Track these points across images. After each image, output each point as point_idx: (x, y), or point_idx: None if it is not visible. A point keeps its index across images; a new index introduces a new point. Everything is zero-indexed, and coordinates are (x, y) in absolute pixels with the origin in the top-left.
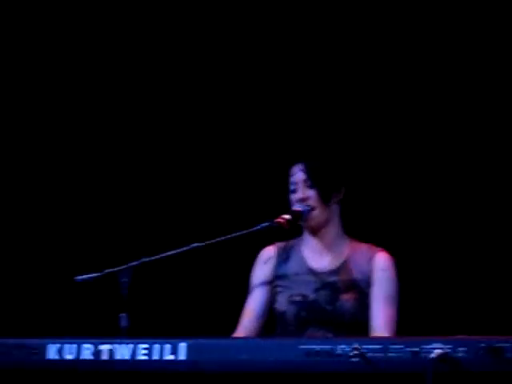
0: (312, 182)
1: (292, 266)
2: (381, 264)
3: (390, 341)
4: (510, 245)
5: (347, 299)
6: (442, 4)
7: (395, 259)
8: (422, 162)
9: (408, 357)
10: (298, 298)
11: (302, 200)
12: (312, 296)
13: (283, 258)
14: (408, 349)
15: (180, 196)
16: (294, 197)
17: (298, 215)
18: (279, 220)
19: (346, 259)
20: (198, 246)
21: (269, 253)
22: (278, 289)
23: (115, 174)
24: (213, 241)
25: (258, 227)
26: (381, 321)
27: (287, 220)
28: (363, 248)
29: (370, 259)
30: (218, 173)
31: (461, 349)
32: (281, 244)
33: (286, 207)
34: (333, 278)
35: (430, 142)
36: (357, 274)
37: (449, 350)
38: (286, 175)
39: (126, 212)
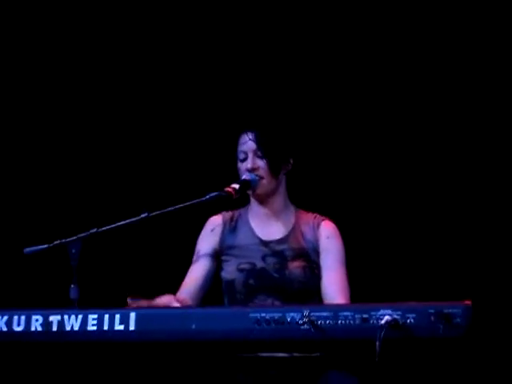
0: (263, 152)
1: (240, 236)
2: (327, 232)
3: (340, 308)
4: (457, 207)
5: (295, 267)
6: (441, 4)
7: (339, 227)
8: (360, 129)
9: (358, 323)
10: (246, 266)
11: (252, 170)
12: (260, 264)
13: (230, 227)
14: (357, 315)
15: (130, 165)
16: (244, 166)
17: (246, 184)
18: (228, 189)
19: (293, 228)
20: (147, 216)
21: (215, 222)
22: (226, 257)
23: (66, 141)
24: (162, 211)
25: (207, 197)
26: (334, 288)
27: (236, 189)
28: (309, 217)
29: (316, 228)
30: (168, 141)
31: (410, 315)
32: (227, 214)
33: (234, 176)
34: (281, 247)
35: (363, 104)
36: (304, 243)
37: (398, 317)
38: (235, 143)
39: (76, 182)
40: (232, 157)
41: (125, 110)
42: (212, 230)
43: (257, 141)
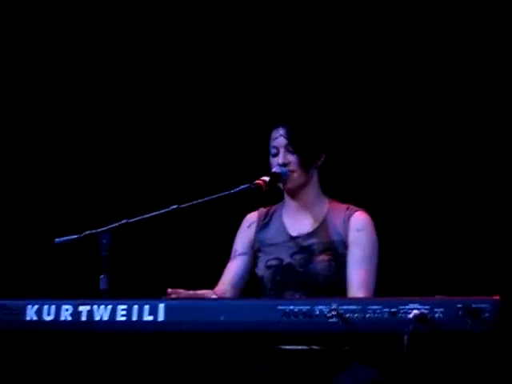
0: (293, 147)
1: (271, 232)
2: (356, 224)
3: (368, 301)
4: (487, 206)
5: (320, 261)
6: (441, 4)
7: (374, 219)
8: (400, 126)
9: (386, 317)
10: (273, 263)
11: (283, 165)
12: (287, 260)
13: (264, 223)
14: (386, 309)
15: (161, 158)
16: (275, 160)
17: (276, 177)
18: (258, 182)
19: (323, 221)
20: (178, 208)
21: (251, 218)
22: (259, 254)
23: (97, 136)
24: (193, 202)
25: (238, 189)
26: (357, 281)
27: (266, 182)
28: (342, 209)
29: (347, 220)
30: (200, 135)
31: (438, 309)
32: (263, 210)
33: (267, 169)
34: (309, 241)
35: (406, 111)
36: (333, 236)
37: (426, 311)
38: (268, 137)
39: (107, 173)
40: (264, 150)
41: (155, 102)
42: (248, 227)
43: (288, 136)
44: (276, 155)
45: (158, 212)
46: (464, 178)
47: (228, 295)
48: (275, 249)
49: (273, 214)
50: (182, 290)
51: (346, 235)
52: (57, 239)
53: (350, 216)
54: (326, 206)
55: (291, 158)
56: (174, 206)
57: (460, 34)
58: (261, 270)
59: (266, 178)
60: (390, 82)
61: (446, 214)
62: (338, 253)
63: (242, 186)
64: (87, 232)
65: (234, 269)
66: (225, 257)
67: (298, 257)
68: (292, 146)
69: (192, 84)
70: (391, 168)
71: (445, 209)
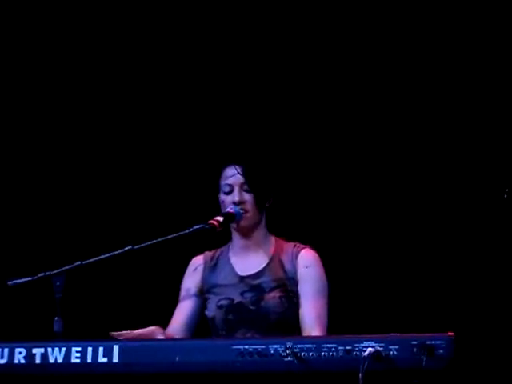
0: (250, 186)
1: (220, 274)
2: (304, 261)
3: (323, 340)
4: (439, 242)
5: (271, 298)
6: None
7: (321, 256)
8: (344, 161)
9: (341, 355)
10: (224, 302)
11: (239, 203)
12: (238, 299)
13: (211, 265)
14: (341, 347)
15: (114, 199)
16: (229, 199)
17: (230, 217)
18: (212, 222)
19: (272, 259)
20: (131, 249)
21: (197, 262)
22: (208, 295)
23: (51, 176)
24: (146, 243)
25: (191, 229)
26: (310, 317)
27: (219, 222)
28: (289, 247)
29: (295, 257)
30: (151, 174)
31: (393, 347)
32: (209, 253)
33: (216, 209)
34: (258, 280)
35: (347, 139)
36: (282, 273)
37: (381, 349)
38: (216, 175)
39: (60, 215)
40: (215, 189)
41: (108, 141)
42: (194, 270)
43: (244, 175)
44: (230, 193)
45: (111, 253)
46: (413, 216)
47: (180, 335)
48: (225, 289)
49: (219, 256)
50: (125, 332)
51: (295, 272)
52: (10, 281)
53: (297, 253)
54: (273, 244)
55: (247, 196)
56: (128, 247)
57: (455, 35)
58: (212, 310)
59: (220, 218)
60: (330, 120)
61: (398, 251)
62: (288, 289)
63: (196, 227)
64: (41, 274)
65: (184, 310)
66: (176, 296)
67: (248, 295)
68: (248, 185)
69: (143, 121)
70: (338, 205)
71: (396, 246)
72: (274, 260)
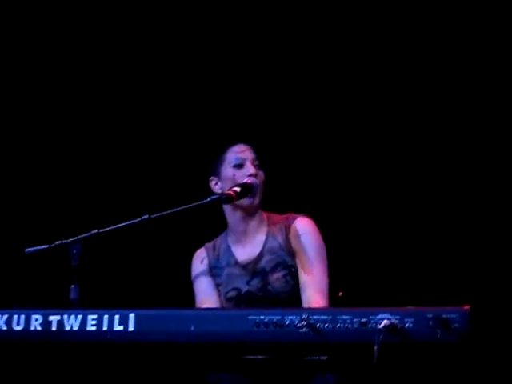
0: (261, 163)
1: (223, 264)
2: (297, 230)
3: (338, 311)
4: (455, 212)
5: (275, 279)
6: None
7: (332, 229)
8: (340, 133)
9: (356, 327)
10: (232, 294)
11: (255, 175)
12: (245, 288)
13: (215, 256)
14: (356, 319)
15: (130, 167)
16: (241, 172)
17: (247, 188)
18: (229, 192)
19: (266, 239)
20: (147, 218)
21: (201, 254)
22: (218, 288)
23: (67, 143)
24: (163, 213)
25: (207, 199)
26: (309, 285)
27: (237, 192)
28: (281, 220)
29: (288, 229)
30: (170, 144)
31: (408, 320)
32: (209, 244)
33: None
34: (259, 265)
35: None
36: (278, 250)
37: (396, 321)
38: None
39: (77, 183)
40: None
41: (126, 112)
42: (201, 262)
43: (255, 151)
44: (241, 166)
45: (128, 222)
46: (433, 190)
47: None
48: (230, 280)
49: (220, 246)
50: None
51: (290, 244)
52: (27, 249)
53: (289, 226)
54: (265, 223)
55: (259, 172)
56: (145, 216)
57: (453, 36)
58: (222, 304)
59: (237, 189)
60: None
61: (412, 222)
62: (288, 265)
63: (213, 197)
64: (57, 242)
65: (210, 297)
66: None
67: (254, 283)
68: (259, 161)
69: (160, 95)
70: (348, 174)
71: (409, 217)
72: (269, 237)
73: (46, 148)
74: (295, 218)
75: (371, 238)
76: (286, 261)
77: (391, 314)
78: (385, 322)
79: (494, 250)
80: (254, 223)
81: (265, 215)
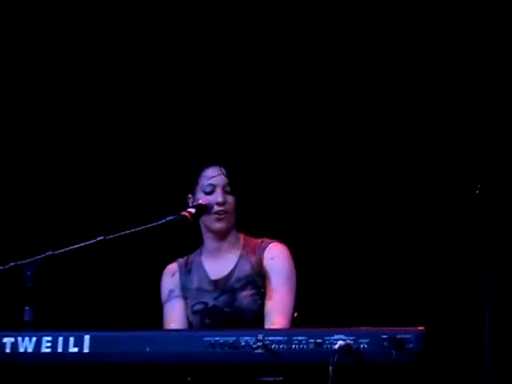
0: (233, 188)
1: (194, 280)
2: (270, 254)
3: (294, 332)
4: (411, 237)
5: (244, 297)
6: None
7: (292, 250)
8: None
9: (311, 348)
10: (199, 307)
11: (223, 204)
12: (212, 302)
13: (186, 271)
14: (311, 340)
15: (87, 188)
16: (210, 199)
17: (203, 208)
18: (184, 213)
19: (239, 258)
20: (103, 239)
21: (172, 269)
22: (186, 300)
23: (24, 166)
24: (118, 234)
25: (163, 221)
26: (273, 305)
27: (191, 213)
28: (256, 243)
29: (262, 252)
30: (126, 164)
31: (363, 340)
32: (182, 260)
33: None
34: (230, 281)
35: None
36: (250, 270)
37: (351, 342)
38: (192, 173)
39: (31, 203)
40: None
41: (85, 130)
42: (172, 275)
43: (228, 176)
44: (211, 193)
45: (83, 243)
46: (385, 210)
47: None
48: (199, 294)
49: (192, 261)
50: None
51: (261, 266)
52: None
53: (264, 248)
54: (241, 243)
55: (229, 198)
56: (100, 238)
57: (452, 36)
58: (188, 316)
59: (192, 210)
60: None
61: (369, 245)
62: (258, 285)
63: (168, 218)
64: (11, 263)
65: (177, 311)
66: (150, 289)
67: (221, 298)
68: (231, 187)
69: (123, 111)
70: (308, 200)
71: (368, 240)
72: (242, 258)
73: (3, 166)
74: (270, 243)
75: (327, 259)
76: (256, 281)
77: (346, 335)
78: (340, 342)
79: (447, 270)
80: (227, 244)
81: (241, 236)
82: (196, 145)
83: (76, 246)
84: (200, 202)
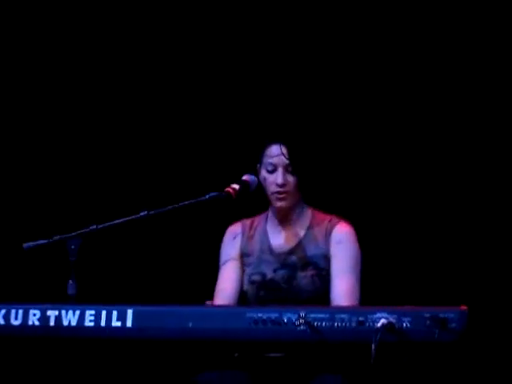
0: (295, 169)
1: (255, 246)
2: (337, 237)
3: (336, 310)
4: (453, 212)
5: (303, 277)
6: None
7: (355, 229)
8: (382, 137)
9: (354, 326)
10: (256, 278)
11: (282, 185)
12: (270, 275)
13: (249, 236)
14: (354, 318)
15: (131, 163)
16: (271, 178)
17: (246, 186)
18: (228, 190)
19: (306, 234)
20: (147, 214)
21: (235, 230)
22: (244, 267)
23: (67, 138)
24: (161, 209)
25: (207, 196)
26: (339, 293)
27: (235, 190)
28: (324, 220)
29: (329, 233)
30: (170, 140)
31: (406, 319)
32: (247, 221)
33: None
34: (292, 257)
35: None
36: (314, 250)
37: (394, 320)
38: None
39: (77, 178)
40: (234, 158)
41: (126, 108)
42: (234, 238)
43: (289, 157)
44: (273, 172)
45: (127, 218)
46: (434, 190)
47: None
48: (258, 263)
49: (257, 226)
50: None
51: (328, 249)
52: (25, 244)
53: (331, 229)
54: (309, 217)
55: (290, 178)
56: (144, 213)
57: (454, 36)
58: (245, 284)
59: (236, 186)
60: (370, 96)
61: (411, 222)
62: (320, 268)
63: (212, 194)
64: (56, 237)
65: (230, 276)
66: (193, 264)
67: (280, 272)
68: (293, 168)
69: (167, 87)
70: (364, 178)
71: (408, 218)
72: (308, 235)
73: (46, 143)
74: (338, 223)
75: (369, 238)
76: (319, 263)
77: (389, 314)
78: (382, 321)
79: (490, 250)
80: (293, 218)
81: (309, 211)
82: (254, 120)
83: (119, 221)
84: (244, 178)
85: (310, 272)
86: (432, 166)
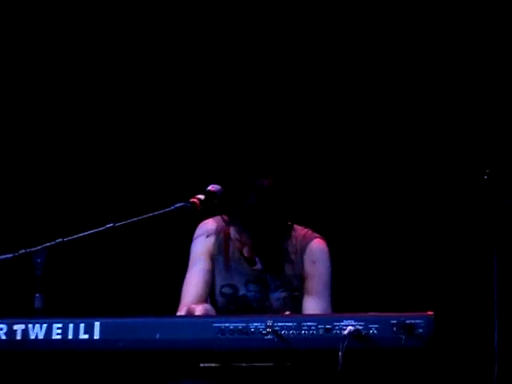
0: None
1: (229, 248)
2: (312, 256)
3: (303, 318)
4: (420, 222)
5: (276, 299)
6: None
7: (327, 245)
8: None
9: (321, 334)
10: (228, 291)
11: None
12: (242, 291)
13: (223, 239)
14: (321, 326)
15: (96, 175)
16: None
17: (212, 195)
18: (193, 200)
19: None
20: (112, 226)
21: (208, 228)
22: (214, 269)
23: (32, 153)
24: (128, 220)
25: (172, 207)
26: (314, 312)
27: (200, 200)
28: (299, 235)
29: (303, 250)
30: (136, 151)
31: (373, 326)
32: (222, 221)
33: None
34: (265, 276)
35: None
36: (288, 270)
37: (361, 327)
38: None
39: (40, 192)
40: (200, 169)
41: (92, 120)
42: (207, 237)
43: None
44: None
45: (93, 230)
46: (398, 197)
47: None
48: (230, 273)
49: (231, 228)
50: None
51: (302, 267)
52: None
53: (305, 246)
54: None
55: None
56: (110, 224)
57: (453, 36)
58: (216, 294)
59: (201, 196)
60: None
61: (379, 230)
62: (293, 287)
63: (177, 204)
64: (21, 251)
65: (201, 275)
66: (160, 275)
67: (252, 288)
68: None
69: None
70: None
71: (378, 225)
72: (283, 252)
73: (8, 156)
74: (312, 240)
75: (336, 246)
76: (292, 283)
77: (355, 321)
78: (349, 328)
79: (455, 256)
80: None
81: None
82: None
83: (86, 233)
84: (209, 188)
85: (282, 294)
86: (391, 176)
